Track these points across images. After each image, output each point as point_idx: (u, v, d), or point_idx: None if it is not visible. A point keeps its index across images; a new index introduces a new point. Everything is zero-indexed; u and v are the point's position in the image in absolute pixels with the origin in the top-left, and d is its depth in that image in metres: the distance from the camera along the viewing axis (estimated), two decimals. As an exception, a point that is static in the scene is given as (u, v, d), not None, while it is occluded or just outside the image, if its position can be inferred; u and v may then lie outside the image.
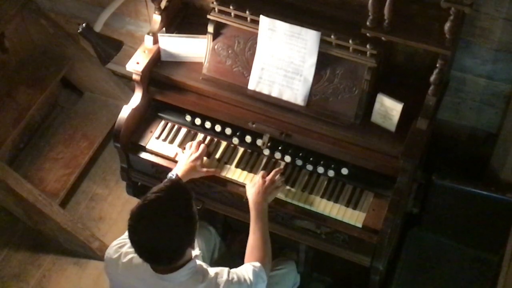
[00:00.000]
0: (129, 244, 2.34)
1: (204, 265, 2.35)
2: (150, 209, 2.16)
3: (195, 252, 2.33)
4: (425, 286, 3.08)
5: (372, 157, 2.64)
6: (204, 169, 2.74)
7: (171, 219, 2.16)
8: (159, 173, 2.85)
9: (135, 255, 2.27)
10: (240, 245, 3.10)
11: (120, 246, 2.38)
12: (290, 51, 2.69)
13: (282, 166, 2.76)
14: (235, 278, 2.32)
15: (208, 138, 2.87)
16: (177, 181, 2.29)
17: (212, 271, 2.34)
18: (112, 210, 3.76)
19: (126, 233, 2.41)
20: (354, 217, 2.64)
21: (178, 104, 2.88)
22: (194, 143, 2.81)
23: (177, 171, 2.68)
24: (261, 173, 2.69)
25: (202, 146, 2.80)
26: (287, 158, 2.76)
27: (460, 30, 2.59)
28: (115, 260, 2.35)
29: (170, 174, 2.66)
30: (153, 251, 2.18)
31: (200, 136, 2.88)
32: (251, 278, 2.35)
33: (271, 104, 2.75)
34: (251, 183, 2.67)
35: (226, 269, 2.35)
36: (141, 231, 2.15)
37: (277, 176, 2.69)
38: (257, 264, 2.42)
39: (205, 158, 2.80)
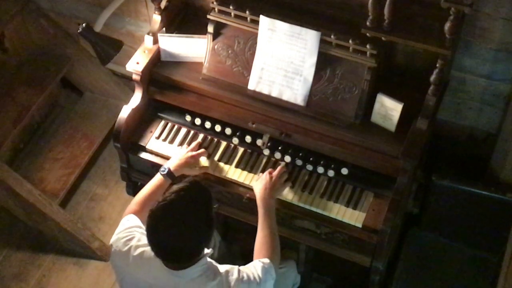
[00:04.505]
0: (138, 237, 2.34)
1: (214, 262, 2.36)
2: (171, 209, 2.16)
3: (207, 250, 2.33)
4: (425, 286, 3.07)
5: (372, 157, 2.64)
6: (197, 168, 2.75)
7: (192, 219, 2.17)
8: (159, 173, 2.85)
9: (146, 249, 2.28)
10: (240, 245, 3.11)
11: (129, 239, 2.36)
12: (290, 51, 2.69)
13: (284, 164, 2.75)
14: (245, 277, 2.32)
15: (208, 138, 2.87)
16: (198, 181, 2.30)
17: (222, 268, 2.33)
18: (112, 210, 3.76)
19: (129, 225, 2.42)
20: (354, 217, 2.63)
21: (178, 104, 2.88)
22: (194, 143, 2.81)
23: (170, 165, 2.68)
24: (268, 170, 2.69)
25: (202, 149, 2.79)
26: (287, 158, 2.76)
27: (460, 30, 2.59)
28: (125, 253, 2.34)
29: (162, 168, 2.66)
30: (172, 251, 2.18)
31: (200, 136, 2.88)
32: (260, 275, 2.35)
33: (271, 104, 2.75)
34: (258, 180, 2.66)
35: (236, 267, 2.35)
36: (161, 231, 2.15)
37: (283, 172, 2.69)
38: (266, 260, 2.41)
39: (205, 158, 2.81)
